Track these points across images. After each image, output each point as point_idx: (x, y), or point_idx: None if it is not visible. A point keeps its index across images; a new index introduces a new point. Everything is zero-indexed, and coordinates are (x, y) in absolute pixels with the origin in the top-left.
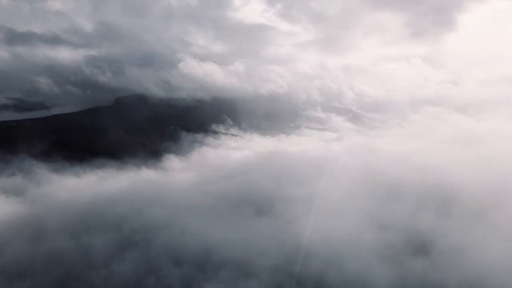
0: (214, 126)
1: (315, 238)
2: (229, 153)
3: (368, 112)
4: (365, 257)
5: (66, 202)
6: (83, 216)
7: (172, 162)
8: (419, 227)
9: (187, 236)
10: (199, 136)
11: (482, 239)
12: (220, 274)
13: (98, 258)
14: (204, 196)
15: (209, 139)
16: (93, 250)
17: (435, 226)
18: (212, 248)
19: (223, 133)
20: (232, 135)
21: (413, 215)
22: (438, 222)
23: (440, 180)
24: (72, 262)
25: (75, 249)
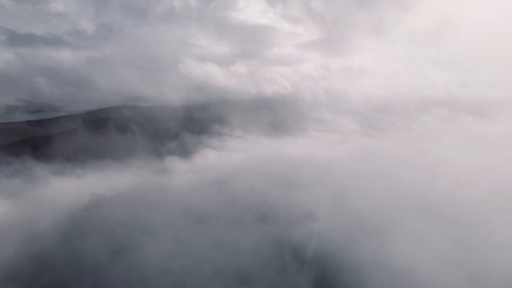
0: (218, 128)
1: (315, 244)
2: (233, 155)
3: (375, 114)
4: (366, 265)
5: (63, 205)
6: (79, 219)
7: (174, 164)
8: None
9: (181, 242)
10: (203, 138)
11: (494, 250)
12: (212, 282)
13: (88, 264)
14: (204, 199)
15: (213, 141)
16: (85, 256)
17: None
18: (206, 255)
19: (227, 135)
20: (237, 137)
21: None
22: (447, 229)
23: (450, 184)
24: (62, 268)
25: (67, 254)
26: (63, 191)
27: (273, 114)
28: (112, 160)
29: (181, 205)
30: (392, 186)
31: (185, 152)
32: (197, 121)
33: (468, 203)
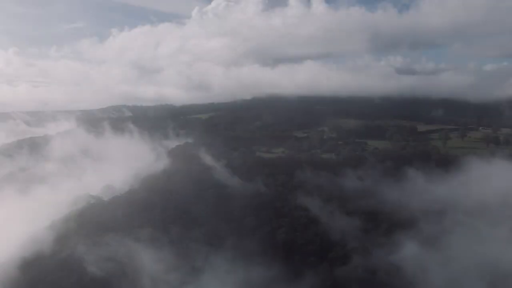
0: (219, 128)
1: (320, 247)
2: (233, 155)
3: (377, 114)
4: (376, 269)
5: (61, 206)
6: (76, 223)
7: (174, 164)
8: None
9: (179, 248)
10: (203, 138)
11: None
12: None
13: (84, 270)
14: (204, 201)
15: (213, 141)
16: (79, 262)
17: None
18: (205, 262)
19: (228, 135)
20: (238, 137)
21: None
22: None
23: (459, 186)
24: (56, 272)
25: (61, 259)
26: (62, 191)
27: (275, 114)
28: (111, 161)
29: (180, 207)
30: (400, 188)
31: (185, 152)
32: (197, 121)
33: (476, 204)
